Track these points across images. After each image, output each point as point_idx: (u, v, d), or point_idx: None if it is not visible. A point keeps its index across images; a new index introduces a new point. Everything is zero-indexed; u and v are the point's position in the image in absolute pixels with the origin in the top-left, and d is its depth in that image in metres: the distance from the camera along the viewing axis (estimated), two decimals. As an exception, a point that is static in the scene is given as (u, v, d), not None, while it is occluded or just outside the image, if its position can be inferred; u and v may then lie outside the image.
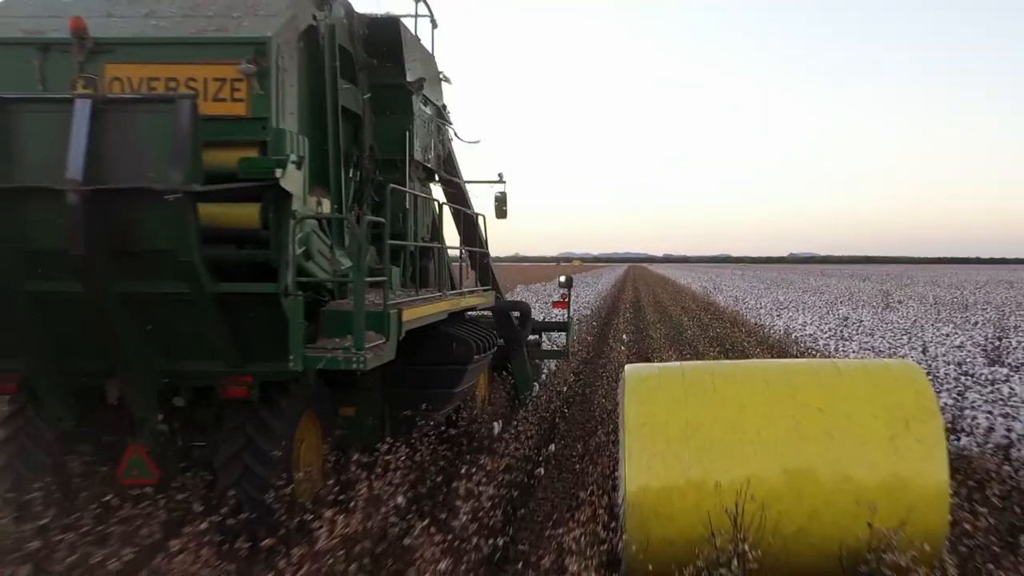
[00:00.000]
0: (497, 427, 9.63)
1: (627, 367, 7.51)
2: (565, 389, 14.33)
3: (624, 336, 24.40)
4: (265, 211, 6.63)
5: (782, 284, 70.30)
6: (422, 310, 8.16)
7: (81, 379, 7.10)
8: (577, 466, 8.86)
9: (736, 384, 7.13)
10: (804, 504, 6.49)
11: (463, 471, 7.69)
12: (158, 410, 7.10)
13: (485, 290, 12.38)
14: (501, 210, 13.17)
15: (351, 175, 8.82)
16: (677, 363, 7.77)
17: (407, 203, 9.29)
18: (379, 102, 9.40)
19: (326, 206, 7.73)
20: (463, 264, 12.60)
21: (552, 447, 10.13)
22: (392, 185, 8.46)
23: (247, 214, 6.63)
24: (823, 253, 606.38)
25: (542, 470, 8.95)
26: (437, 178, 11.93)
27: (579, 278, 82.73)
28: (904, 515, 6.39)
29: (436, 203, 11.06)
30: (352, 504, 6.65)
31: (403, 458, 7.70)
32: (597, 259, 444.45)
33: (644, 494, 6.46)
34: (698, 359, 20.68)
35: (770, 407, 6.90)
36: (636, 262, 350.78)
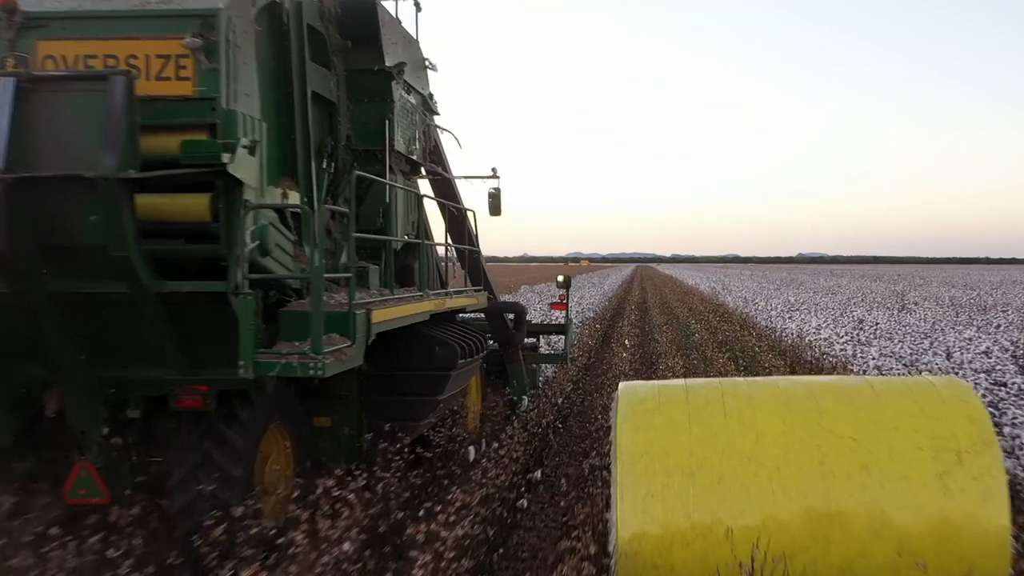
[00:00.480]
0: (472, 453, 8.47)
1: (621, 385, 6.35)
2: (561, 400, 13.14)
3: (628, 341, 23.18)
4: (216, 202, 6.08)
5: (792, 284, 68.95)
6: (397, 311, 7.56)
7: (18, 390, 6.59)
8: (564, 501, 7.64)
9: (751, 407, 5.98)
10: (834, 555, 5.45)
11: (425, 509, 6.51)
12: (103, 423, 6.57)
13: (476, 290, 11.73)
14: (495, 207, 12.60)
15: (325, 167, 8.31)
16: (680, 380, 6.61)
17: (387, 196, 8.79)
18: (355, 88, 8.92)
19: (295, 199, 7.21)
20: (451, 263, 11.97)
21: (539, 472, 8.92)
22: (358, 172, 7.86)
23: (196, 205, 6.07)
24: (832, 253, 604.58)
25: (525, 501, 7.73)
26: (424, 172, 11.34)
27: (586, 278, 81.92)
28: (957, 569, 5.37)
29: (422, 197, 10.53)
30: (290, 551, 5.52)
31: (361, 487, 6.62)
32: (605, 259, 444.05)
33: (639, 542, 5.42)
34: (706, 365, 19.46)
35: (792, 436, 5.78)
36: (644, 262, 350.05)
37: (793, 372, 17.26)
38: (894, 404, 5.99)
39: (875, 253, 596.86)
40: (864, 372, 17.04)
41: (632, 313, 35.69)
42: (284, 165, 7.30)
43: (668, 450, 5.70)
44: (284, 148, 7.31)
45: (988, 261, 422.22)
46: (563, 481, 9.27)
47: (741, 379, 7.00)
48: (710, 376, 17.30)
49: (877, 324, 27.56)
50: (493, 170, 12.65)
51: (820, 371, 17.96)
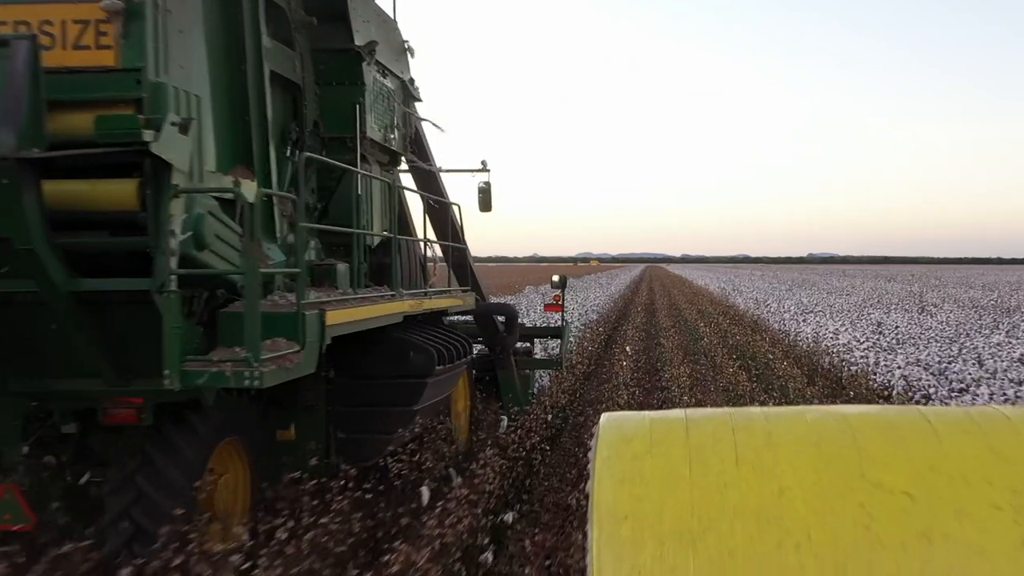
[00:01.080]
0: (425, 495, 7.08)
1: (603, 418, 4.89)
2: (550, 417, 11.70)
3: (629, 348, 21.74)
4: (145, 188, 5.44)
5: (804, 285, 67.26)
6: (360, 312, 6.95)
7: None
8: (540, 550, 6.18)
9: (771, 449, 4.46)
10: (886, 658, 3.91)
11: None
12: (28, 440, 6.06)
13: (462, 291, 11.06)
14: (486, 202, 12.07)
15: (289, 154, 7.77)
16: (680, 412, 5.13)
17: (358, 187, 8.18)
18: (323, 70, 8.40)
19: (250, 190, 6.33)
20: (434, 262, 11.34)
21: (510, 514, 7.48)
22: (308, 155, 7.28)
23: (121, 192, 5.46)
24: (842, 253, 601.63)
25: (490, 555, 6.29)
26: (406, 164, 10.85)
27: (593, 278, 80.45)
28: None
29: (402, 190, 10.02)
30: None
31: (285, 539, 5.28)
32: (615, 259, 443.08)
33: (622, 637, 3.93)
34: (715, 373, 18.02)
35: (827, 490, 4.27)
36: (654, 262, 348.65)
37: (811, 383, 15.81)
38: (958, 445, 4.48)
39: (885, 253, 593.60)
40: (890, 382, 15.56)
41: (638, 315, 34.22)
42: (238, 151, 6.80)
43: (662, 509, 4.21)
44: (238, 133, 6.82)
45: (1001, 261, 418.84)
46: (546, 516, 7.88)
47: (757, 409, 5.51)
48: (719, 389, 15.88)
49: (897, 327, 26.01)
50: (483, 163, 12.10)
51: (839, 381, 16.54)
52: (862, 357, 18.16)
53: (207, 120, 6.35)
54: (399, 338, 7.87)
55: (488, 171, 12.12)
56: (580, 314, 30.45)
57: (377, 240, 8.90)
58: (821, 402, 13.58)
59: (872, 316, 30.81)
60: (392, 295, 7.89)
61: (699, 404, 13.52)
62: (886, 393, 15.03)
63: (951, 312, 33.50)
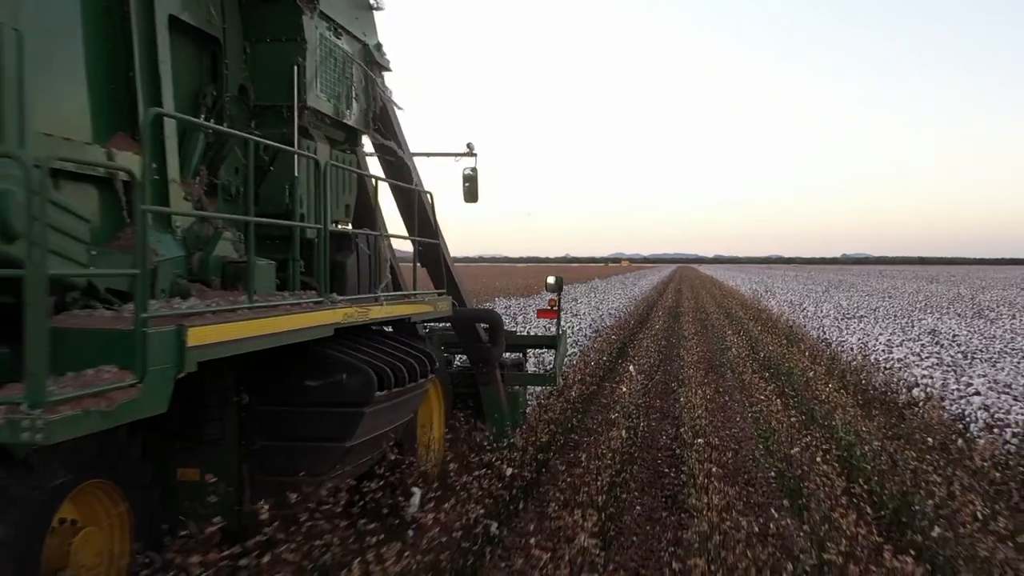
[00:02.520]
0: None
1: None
2: (509, 472, 8.49)
3: (634, 367, 18.41)
4: None
5: (841, 287, 63.32)
6: (253, 326, 5.47)
7: None
8: None
9: None
10: None
11: None
12: None
13: (437, 295, 9.58)
14: (472, 191, 11.09)
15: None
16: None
17: (295, 169, 7.21)
18: (253, 22, 7.43)
19: (130, 163, 5.42)
20: (387, 260, 9.47)
21: None
22: (214, 127, 6.43)
23: None
24: (876, 254, 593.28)
25: None
26: (370, 144, 9.73)
27: (619, 279, 77.17)
28: None
29: (365, 176, 8.83)
30: None
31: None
32: (647, 259, 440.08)
33: None
34: (743, 395, 14.67)
35: None
36: (686, 263, 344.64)
37: (867, 413, 12.44)
38: None
39: (920, 254, 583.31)
40: (964, 411, 12.17)
41: (660, 320, 30.83)
42: (117, 117, 5.85)
43: None
44: (118, 93, 5.90)
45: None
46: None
47: None
48: (746, 419, 12.56)
49: (955, 336, 22.47)
50: (468, 146, 11.00)
51: (900, 410, 13.15)
52: (925, 376, 14.72)
53: (46, 66, 5.31)
54: (330, 356, 6.55)
55: (475, 155, 11.01)
56: (593, 319, 27.17)
57: (321, 232, 7.39)
58: (888, 447, 10.23)
59: (924, 322, 27.17)
60: (319, 302, 6.47)
61: (718, 453, 10.19)
62: (961, 427, 11.68)
63: (1013, 318, 29.71)
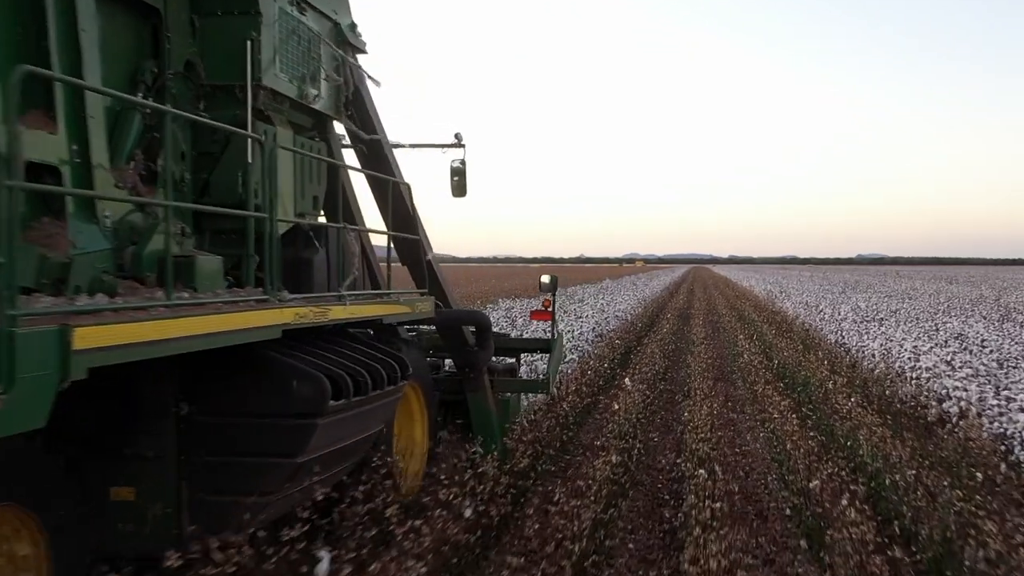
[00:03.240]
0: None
1: None
2: (467, 513, 7.04)
3: (647, 368, 16.96)
4: None
5: (858, 288, 61.54)
6: (169, 327, 4.79)
7: None
8: None
9: None
10: None
11: None
12: None
13: (417, 295, 8.98)
14: (460, 185, 10.64)
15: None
16: None
17: (248, 154, 6.49)
18: None
19: (48, 146, 5.12)
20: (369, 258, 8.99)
21: None
22: (152, 104, 5.91)
23: None
24: (892, 254, 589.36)
25: None
26: (343, 132, 9.06)
27: (631, 279, 75.65)
28: None
29: (331, 165, 8.21)
30: None
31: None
32: (661, 260, 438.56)
33: None
34: (754, 407, 13.20)
35: None
36: (700, 263, 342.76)
37: (896, 434, 10.93)
38: None
39: (935, 254, 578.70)
40: (1008, 431, 10.67)
41: (669, 323, 29.30)
42: (31, 91, 5.09)
43: None
44: (22, 60, 4.94)
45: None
46: None
47: None
48: (757, 439, 11.08)
49: (984, 341, 20.88)
50: (457, 137, 10.50)
51: (931, 427, 11.66)
52: (958, 390, 13.18)
53: None
54: (277, 361, 6.04)
55: (463, 146, 10.51)
56: (598, 322, 25.71)
57: (284, 227, 7.02)
58: (923, 477, 8.75)
59: (949, 326, 25.55)
60: (265, 300, 5.95)
61: (724, 484, 8.70)
62: (1003, 449, 10.21)
63: (1045, 321, 28.05)
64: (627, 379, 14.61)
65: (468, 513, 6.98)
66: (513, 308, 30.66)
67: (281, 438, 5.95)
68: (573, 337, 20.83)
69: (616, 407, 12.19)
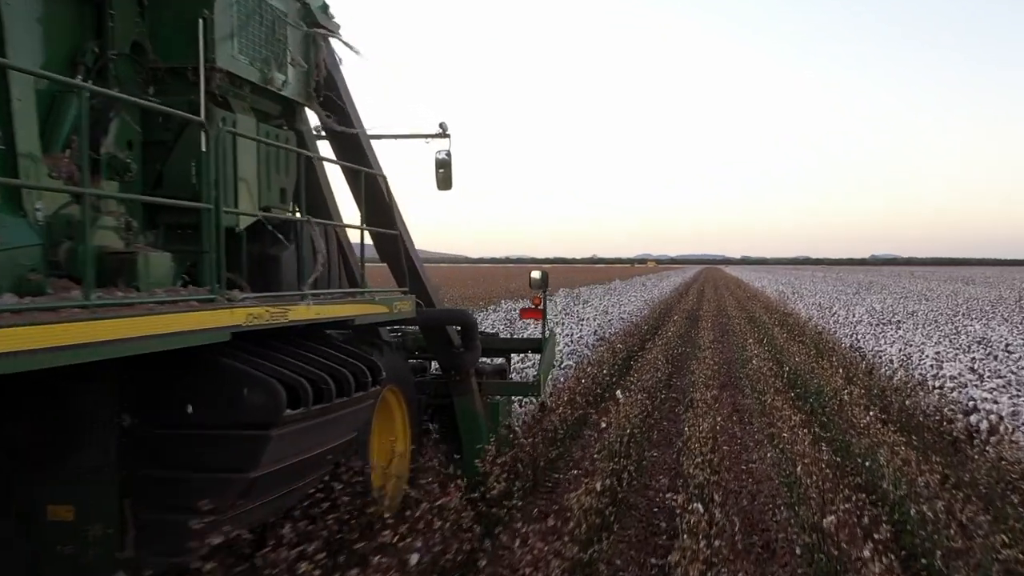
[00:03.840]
0: None
1: None
2: (466, 515, 5.98)
3: (649, 376, 15.79)
4: None
5: (872, 288, 60.13)
6: (86, 329, 4.43)
7: None
8: None
9: None
10: None
11: None
12: None
13: (397, 293, 8.48)
14: (445, 178, 10.16)
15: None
16: None
17: (202, 143, 5.81)
18: None
19: None
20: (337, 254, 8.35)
21: None
22: (89, 87, 5.13)
23: None
24: (905, 255, 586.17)
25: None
26: (317, 120, 8.51)
27: (640, 280, 74.49)
28: None
29: (300, 155, 7.54)
30: None
31: None
32: (674, 260, 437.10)
33: None
34: (762, 417, 12.08)
35: None
36: (713, 263, 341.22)
37: (921, 452, 9.77)
38: None
39: (949, 254, 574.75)
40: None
41: (676, 325, 28.10)
42: None
43: None
44: None
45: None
46: None
47: None
48: (765, 461, 9.96)
49: (1009, 346, 19.64)
50: (441, 127, 10.02)
51: (957, 443, 10.51)
52: (987, 401, 11.99)
53: None
54: (227, 367, 5.56)
55: (448, 136, 9.97)
56: (600, 324, 24.56)
57: (248, 221, 6.74)
58: (956, 509, 7.60)
59: (972, 329, 24.29)
60: (212, 299, 5.47)
61: (723, 514, 7.53)
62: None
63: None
64: (619, 391, 13.44)
65: (414, 561, 5.85)
66: (515, 309, 29.53)
67: (232, 451, 5.58)
68: (572, 341, 19.71)
69: (604, 424, 11.03)
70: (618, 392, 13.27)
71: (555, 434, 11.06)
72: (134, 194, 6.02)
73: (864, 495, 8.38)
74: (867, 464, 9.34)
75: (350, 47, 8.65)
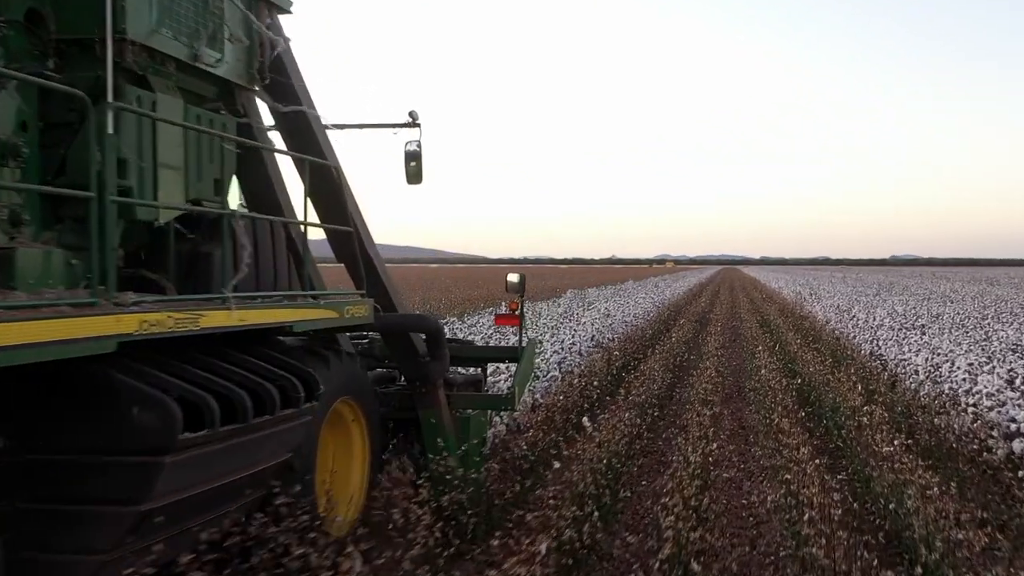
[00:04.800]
0: None
1: None
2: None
3: (642, 389, 14.03)
4: None
5: (894, 290, 58.04)
6: None
7: None
8: None
9: None
10: None
11: None
12: None
13: (360, 296, 7.82)
14: (416, 171, 9.30)
15: None
16: None
17: (108, 124, 5.39)
18: None
19: None
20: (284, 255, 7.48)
21: None
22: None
23: None
24: (926, 255, 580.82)
25: None
26: (269, 110, 7.87)
27: (653, 281, 72.69)
28: None
29: (244, 143, 7.16)
30: None
31: None
32: (693, 261, 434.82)
33: None
34: (768, 438, 10.36)
35: None
36: (732, 264, 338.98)
37: (958, 490, 7.98)
38: None
39: (971, 255, 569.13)
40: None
41: (682, 329, 26.27)
42: None
43: None
44: None
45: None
46: None
47: None
48: (767, 505, 8.20)
49: (1046, 353, 17.77)
50: (411, 116, 9.24)
51: (995, 477, 8.77)
52: (1031, 424, 10.16)
53: None
54: (116, 383, 4.99)
55: (418, 126, 9.29)
56: (601, 328, 22.79)
57: (171, 214, 6.24)
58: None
59: (1002, 335, 22.35)
60: (91, 303, 4.83)
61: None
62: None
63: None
64: (585, 418, 11.65)
65: None
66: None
67: (118, 481, 5.12)
68: (563, 348, 17.95)
69: (557, 465, 9.31)
70: (584, 419, 11.49)
71: (519, 462, 9.39)
72: (26, 183, 5.49)
73: (888, 553, 6.59)
74: (891, 506, 7.59)
75: (284, 40, 7.88)
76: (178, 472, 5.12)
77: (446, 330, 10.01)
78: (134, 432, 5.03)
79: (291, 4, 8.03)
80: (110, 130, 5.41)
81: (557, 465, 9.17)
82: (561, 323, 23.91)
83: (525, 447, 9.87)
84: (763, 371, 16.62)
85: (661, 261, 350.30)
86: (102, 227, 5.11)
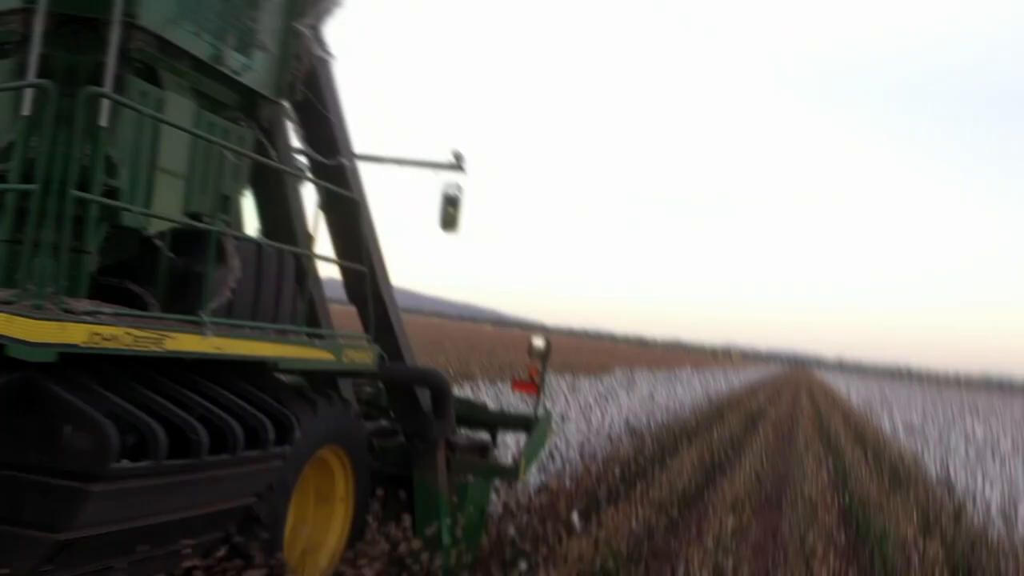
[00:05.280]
0: None
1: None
2: None
3: (578, 515, 12.42)
4: None
5: (979, 412, 54.84)
6: None
7: None
8: None
9: None
10: None
11: None
12: None
13: (366, 340, 7.61)
14: (452, 218, 8.86)
15: None
16: None
17: (102, 116, 5.13)
18: None
19: None
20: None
21: None
22: None
23: None
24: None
25: None
26: (290, 120, 7.71)
27: (709, 372, 70.16)
28: None
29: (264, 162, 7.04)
30: None
31: None
32: (759, 355, 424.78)
33: None
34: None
35: None
36: (803, 363, 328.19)
37: None
38: None
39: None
40: None
41: (730, 425, 24.28)
42: None
43: None
44: None
45: None
46: None
47: None
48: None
49: None
50: (456, 156, 8.72)
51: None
52: None
53: None
54: (51, 396, 4.77)
55: (462, 169, 8.72)
56: (637, 413, 21.14)
57: (165, 225, 6.00)
58: None
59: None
60: (40, 306, 4.63)
61: None
62: None
63: None
64: (574, 513, 10.11)
65: None
66: (560, 385, 26.33)
67: (39, 502, 4.81)
68: (587, 430, 16.42)
69: (523, 566, 7.90)
70: (574, 515, 9.98)
71: (502, 554, 8.11)
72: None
73: None
74: None
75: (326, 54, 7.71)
76: (107, 503, 4.85)
77: (467, 393, 9.37)
78: (63, 452, 4.77)
79: (334, 13, 7.73)
80: (103, 123, 5.06)
81: (524, 566, 7.77)
82: (596, 403, 22.37)
83: (513, 531, 8.74)
84: (808, 483, 14.80)
85: (727, 351, 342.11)
86: (60, 222, 4.88)
